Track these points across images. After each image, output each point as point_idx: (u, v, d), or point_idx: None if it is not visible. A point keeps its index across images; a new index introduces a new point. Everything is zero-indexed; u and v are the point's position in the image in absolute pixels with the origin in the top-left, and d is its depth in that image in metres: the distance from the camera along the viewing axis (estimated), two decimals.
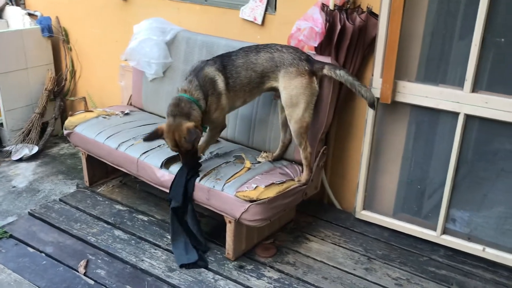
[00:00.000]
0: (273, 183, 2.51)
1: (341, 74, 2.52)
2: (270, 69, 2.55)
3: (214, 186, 2.51)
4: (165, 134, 2.48)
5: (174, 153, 2.69)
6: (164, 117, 3.33)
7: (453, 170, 2.65)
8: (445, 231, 2.78)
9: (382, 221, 2.95)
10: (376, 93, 2.72)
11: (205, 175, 2.58)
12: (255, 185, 2.46)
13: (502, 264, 2.63)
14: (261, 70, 2.55)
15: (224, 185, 2.50)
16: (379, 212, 2.98)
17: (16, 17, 4.07)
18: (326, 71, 2.54)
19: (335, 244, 2.80)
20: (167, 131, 2.47)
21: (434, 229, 2.78)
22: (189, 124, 2.42)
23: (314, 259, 2.66)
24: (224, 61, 2.58)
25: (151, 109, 3.43)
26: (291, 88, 2.51)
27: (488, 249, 2.65)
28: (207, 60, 2.61)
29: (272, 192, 2.45)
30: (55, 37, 4.12)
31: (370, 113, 2.80)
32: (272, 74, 2.56)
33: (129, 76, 3.58)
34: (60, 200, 3.15)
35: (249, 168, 2.66)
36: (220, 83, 2.54)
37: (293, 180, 2.64)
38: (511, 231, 2.66)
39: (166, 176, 2.65)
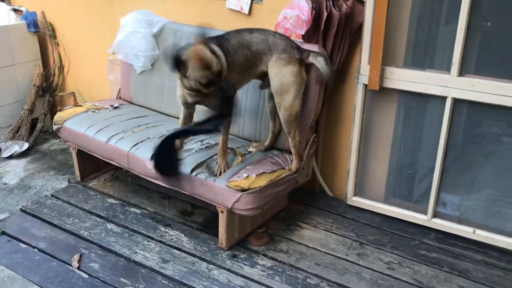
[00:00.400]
0: (264, 172, 2.52)
1: (319, 60, 2.54)
2: (263, 51, 2.53)
3: (206, 178, 2.52)
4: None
5: None
6: (153, 110, 3.36)
7: (442, 154, 2.67)
8: (435, 215, 2.81)
9: (373, 207, 2.97)
10: (364, 79, 2.73)
11: (197, 167, 2.58)
12: (246, 175, 2.47)
13: (492, 245, 2.66)
14: (255, 49, 2.52)
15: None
16: (370, 198, 3.00)
17: (0, 13, 4.02)
18: (310, 58, 2.55)
19: (327, 231, 2.82)
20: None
21: (425, 213, 2.81)
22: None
23: (306, 246, 2.68)
24: (219, 40, 2.47)
25: (141, 102, 3.43)
26: (282, 74, 2.50)
27: (478, 231, 2.69)
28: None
29: (263, 181, 2.46)
30: (42, 33, 4.08)
31: (359, 100, 2.81)
32: (264, 57, 2.53)
33: (118, 70, 3.56)
34: (52, 195, 3.14)
35: (241, 161, 2.66)
36: (223, 57, 2.40)
37: (284, 168, 2.65)
38: (500, 213, 2.69)
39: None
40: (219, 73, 2.28)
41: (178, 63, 2.23)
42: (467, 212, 2.77)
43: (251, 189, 2.41)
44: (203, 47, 2.29)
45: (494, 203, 2.71)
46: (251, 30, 2.57)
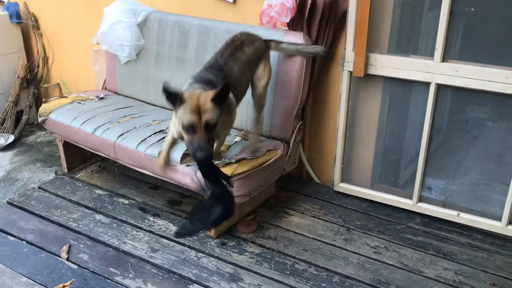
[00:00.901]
0: (244, 158, 2.53)
1: (284, 47, 2.62)
2: (257, 61, 2.52)
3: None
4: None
5: (149, 134, 2.71)
6: (139, 100, 3.34)
7: (426, 139, 2.71)
8: (421, 199, 2.85)
9: (360, 193, 3.01)
10: (349, 66, 2.75)
11: (185, 156, 2.58)
12: (228, 161, 2.48)
13: (476, 227, 2.71)
14: (253, 67, 2.50)
15: None
16: (356, 184, 3.03)
17: None
18: (273, 47, 2.62)
19: (315, 217, 2.85)
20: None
21: (410, 198, 2.85)
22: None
23: (294, 232, 2.71)
24: (225, 75, 2.29)
25: (126, 92, 3.41)
26: (265, 73, 2.57)
27: (462, 214, 2.73)
28: (210, 79, 2.24)
29: (245, 167, 2.47)
30: (24, 23, 4.04)
31: (344, 87, 2.82)
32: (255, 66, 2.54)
33: (103, 60, 3.54)
34: (39, 187, 3.13)
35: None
36: (232, 100, 2.29)
37: (273, 150, 2.69)
38: (484, 196, 2.74)
39: (143, 157, 2.65)
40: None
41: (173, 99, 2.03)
42: (451, 196, 2.82)
43: (235, 175, 2.42)
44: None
45: (477, 187, 2.76)
46: (240, 46, 2.43)
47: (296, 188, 3.13)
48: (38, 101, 4.16)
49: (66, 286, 2.24)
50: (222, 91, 2.01)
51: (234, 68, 2.37)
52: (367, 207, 2.95)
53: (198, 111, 1.98)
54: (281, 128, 2.84)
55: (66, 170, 3.30)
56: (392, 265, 2.46)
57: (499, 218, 2.65)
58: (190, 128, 1.99)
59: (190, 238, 2.64)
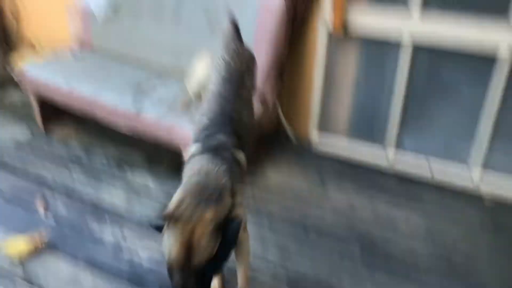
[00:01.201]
0: None
1: None
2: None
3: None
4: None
5: (126, 89, 2.67)
6: (116, 55, 3.28)
7: (402, 98, 2.75)
8: (396, 157, 2.91)
9: (336, 148, 3.06)
10: (327, 26, 2.75)
11: None
12: None
13: (449, 185, 2.79)
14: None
15: None
16: (333, 142, 3.07)
17: None
18: None
19: (292, 174, 2.89)
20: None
21: (386, 155, 2.91)
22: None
23: (271, 190, 2.74)
24: (235, 128, 1.81)
25: (102, 49, 3.35)
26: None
27: (436, 172, 2.81)
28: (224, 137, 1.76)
29: None
30: None
31: (322, 45, 2.83)
32: None
33: (79, 17, 3.45)
34: (15, 146, 3.09)
35: None
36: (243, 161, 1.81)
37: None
38: (457, 154, 2.81)
39: (120, 109, 2.62)
40: None
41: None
42: (426, 154, 2.87)
43: None
44: None
45: (451, 145, 2.82)
46: (242, 80, 2.01)
47: (274, 147, 3.15)
48: (11, 59, 4.05)
49: (43, 235, 2.25)
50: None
51: (243, 113, 1.91)
52: (343, 164, 3.00)
53: (189, 248, 1.40)
54: (259, 86, 2.83)
55: (41, 129, 3.26)
56: (367, 219, 2.53)
57: (471, 177, 2.73)
58: (174, 268, 1.42)
59: (168, 192, 2.65)
